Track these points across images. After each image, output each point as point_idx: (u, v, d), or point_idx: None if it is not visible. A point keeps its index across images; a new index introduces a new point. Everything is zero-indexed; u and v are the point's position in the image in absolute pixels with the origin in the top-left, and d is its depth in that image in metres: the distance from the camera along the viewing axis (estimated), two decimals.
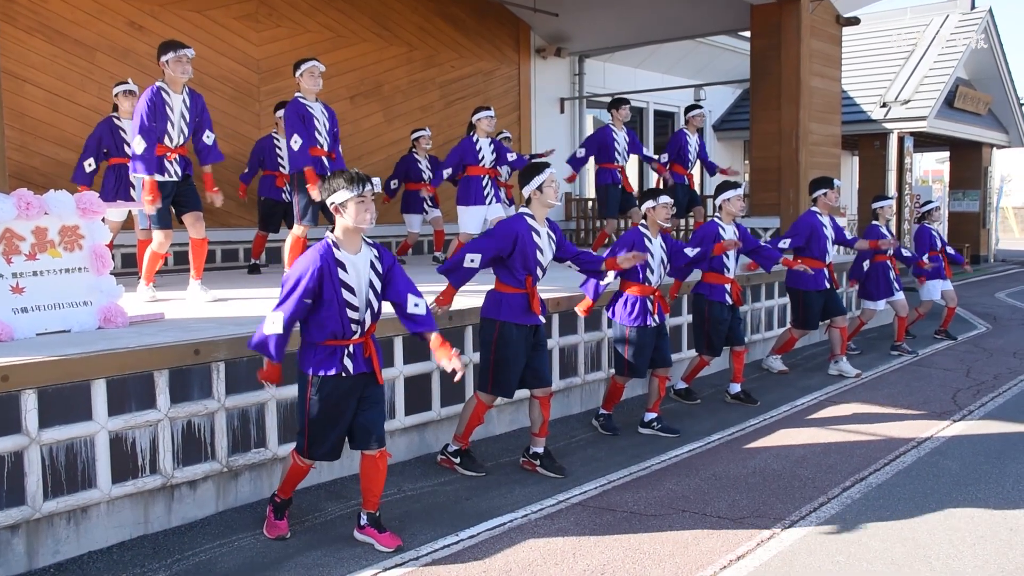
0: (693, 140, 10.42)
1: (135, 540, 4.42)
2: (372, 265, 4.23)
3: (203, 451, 4.70)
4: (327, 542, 4.41)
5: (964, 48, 18.54)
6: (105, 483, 4.30)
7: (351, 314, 4.15)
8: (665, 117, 17.83)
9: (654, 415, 6.47)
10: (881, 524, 4.56)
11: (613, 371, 6.42)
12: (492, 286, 5.42)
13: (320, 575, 4.03)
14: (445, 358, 4.28)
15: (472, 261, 5.22)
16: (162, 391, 4.52)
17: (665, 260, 6.38)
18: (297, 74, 7.32)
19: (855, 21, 12.81)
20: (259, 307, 6.28)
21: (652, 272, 6.23)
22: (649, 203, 6.28)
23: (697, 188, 11.48)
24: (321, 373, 4.17)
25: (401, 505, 4.92)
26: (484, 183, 8.68)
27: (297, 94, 7.35)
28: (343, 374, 4.18)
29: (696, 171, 11.06)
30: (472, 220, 8.66)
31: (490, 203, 8.76)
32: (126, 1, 9.67)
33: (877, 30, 19.99)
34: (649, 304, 6.22)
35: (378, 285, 4.25)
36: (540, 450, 5.53)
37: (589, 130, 16.06)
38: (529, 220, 5.31)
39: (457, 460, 5.54)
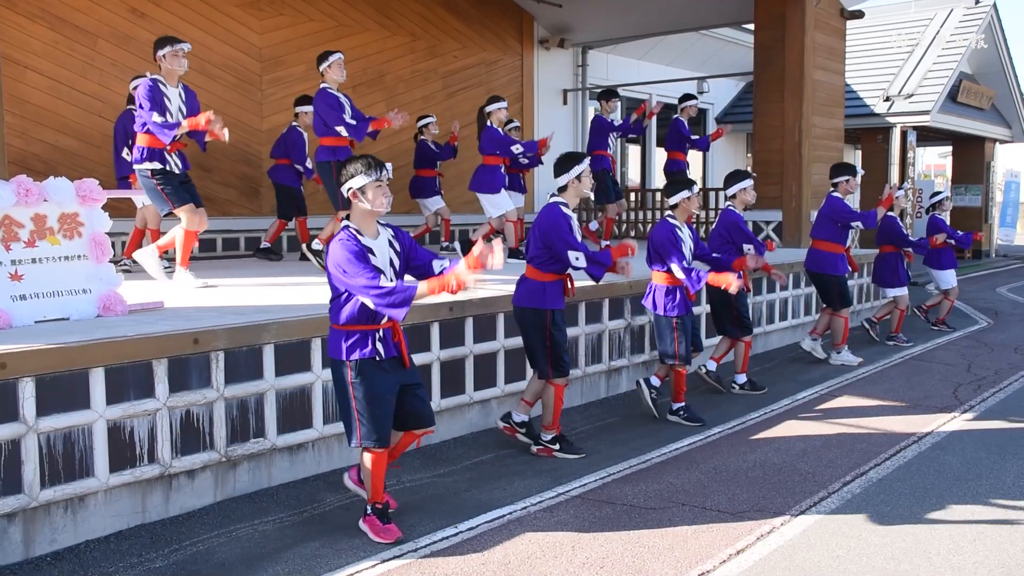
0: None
1: (133, 529, 4.40)
2: (391, 245, 4.30)
3: (202, 441, 4.69)
4: (325, 533, 4.40)
5: (967, 43, 18.48)
6: (103, 472, 4.29)
7: None
8: (669, 109, 17.72)
9: (682, 404, 6.55)
10: (881, 519, 4.55)
11: (670, 362, 6.51)
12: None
13: (318, 566, 4.02)
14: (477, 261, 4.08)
15: (578, 259, 5.34)
16: (161, 380, 4.50)
17: (693, 249, 6.55)
18: (325, 65, 7.73)
19: (859, 15, 12.76)
20: (256, 296, 6.26)
21: (688, 262, 6.38)
22: (684, 193, 6.39)
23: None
24: (356, 356, 4.18)
25: (400, 496, 4.90)
26: (502, 170, 9.17)
27: (324, 84, 7.73)
28: (376, 358, 4.21)
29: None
30: (499, 203, 9.13)
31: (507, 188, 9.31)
32: None
33: (881, 24, 19.92)
34: (686, 293, 6.42)
35: (398, 264, 4.32)
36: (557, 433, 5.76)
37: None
38: (563, 208, 5.46)
39: (556, 447, 5.65)
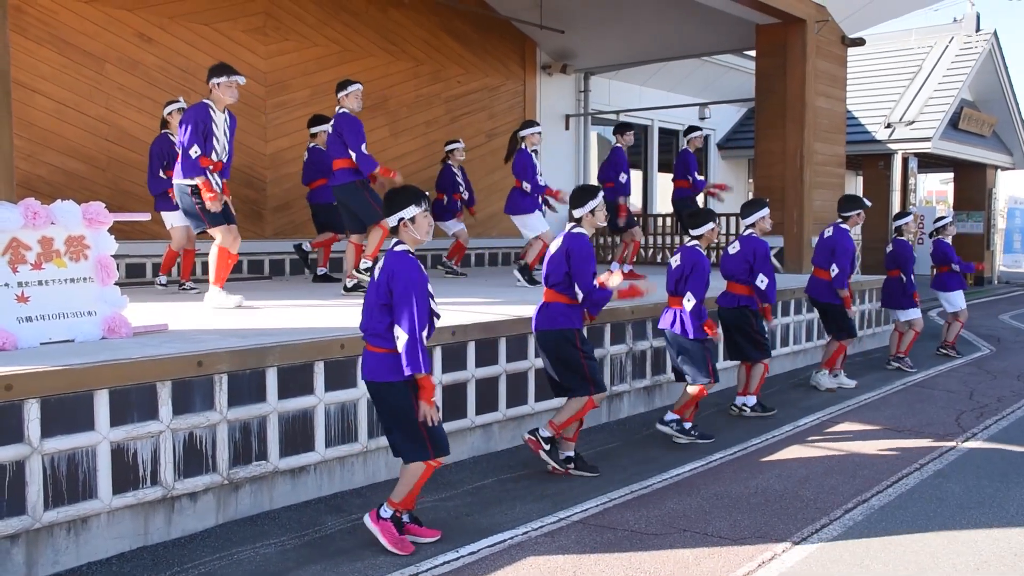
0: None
1: (134, 551, 4.41)
2: None
3: (204, 463, 4.70)
4: (327, 556, 4.40)
5: (969, 69, 18.61)
6: (106, 494, 4.30)
7: None
8: (670, 135, 17.88)
9: (677, 417, 6.60)
10: (883, 547, 4.54)
11: (695, 383, 6.52)
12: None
13: None
14: None
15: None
16: (164, 402, 4.52)
17: None
18: (344, 93, 7.91)
19: (860, 42, 12.87)
20: (260, 319, 6.28)
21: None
22: (710, 225, 6.62)
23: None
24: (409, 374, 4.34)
25: None
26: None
27: (345, 109, 7.88)
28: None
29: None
30: (534, 225, 9.32)
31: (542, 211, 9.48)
32: (135, 13, 9.74)
33: (882, 51, 20.08)
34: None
35: None
36: (572, 453, 5.87)
37: (594, 147, 16.11)
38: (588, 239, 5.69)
39: (571, 465, 5.79)
